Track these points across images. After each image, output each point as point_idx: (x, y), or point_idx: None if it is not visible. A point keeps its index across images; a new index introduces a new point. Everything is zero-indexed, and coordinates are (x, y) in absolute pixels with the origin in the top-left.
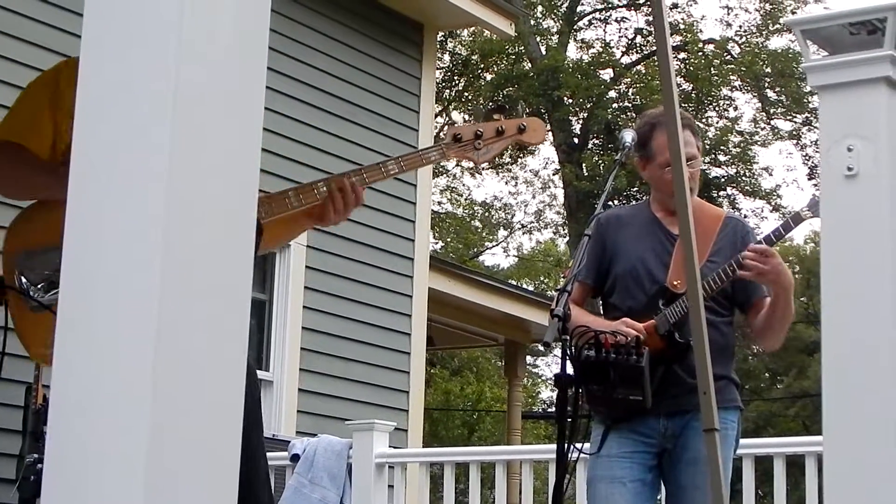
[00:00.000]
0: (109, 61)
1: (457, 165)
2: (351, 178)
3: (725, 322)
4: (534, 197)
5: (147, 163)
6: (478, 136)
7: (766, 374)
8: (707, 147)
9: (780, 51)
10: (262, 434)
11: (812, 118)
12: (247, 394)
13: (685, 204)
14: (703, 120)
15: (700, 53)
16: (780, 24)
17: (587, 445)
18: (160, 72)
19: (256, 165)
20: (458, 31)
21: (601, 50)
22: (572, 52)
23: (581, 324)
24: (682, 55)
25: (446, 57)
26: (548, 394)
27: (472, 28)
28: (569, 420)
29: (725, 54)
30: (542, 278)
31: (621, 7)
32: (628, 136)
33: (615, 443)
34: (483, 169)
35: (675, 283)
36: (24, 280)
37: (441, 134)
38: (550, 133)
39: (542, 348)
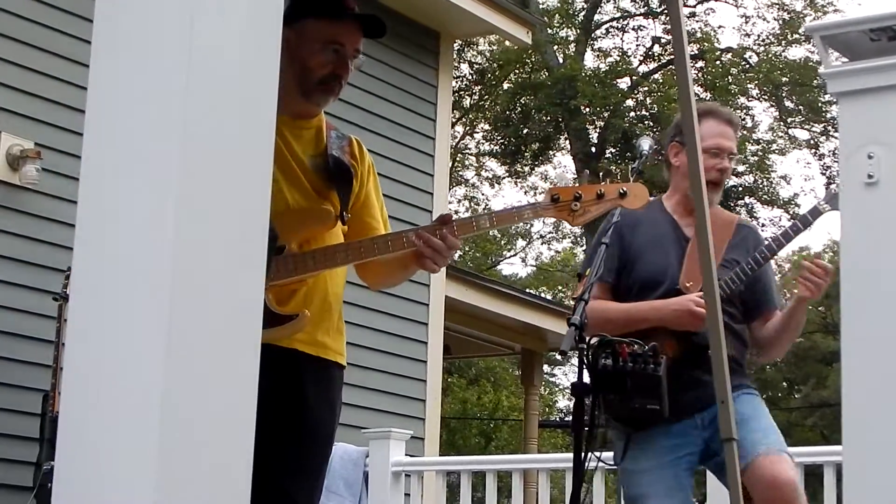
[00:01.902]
0: (119, 70)
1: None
2: (440, 231)
3: (743, 327)
4: None
5: (157, 171)
6: (576, 198)
7: (784, 384)
8: None
9: (797, 60)
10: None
11: (830, 127)
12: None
13: (703, 210)
14: None
15: (718, 62)
16: (798, 33)
17: (607, 455)
18: (170, 79)
19: (268, 173)
20: (475, 41)
21: (618, 59)
22: (589, 60)
23: (615, 312)
24: (700, 64)
25: (464, 66)
26: (565, 403)
27: (490, 37)
28: (586, 429)
29: (743, 63)
30: (559, 288)
31: (638, 16)
32: (645, 144)
33: (651, 452)
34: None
35: (688, 284)
36: None
37: (539, 191)
38: (568, 142)
39: (559, 357)
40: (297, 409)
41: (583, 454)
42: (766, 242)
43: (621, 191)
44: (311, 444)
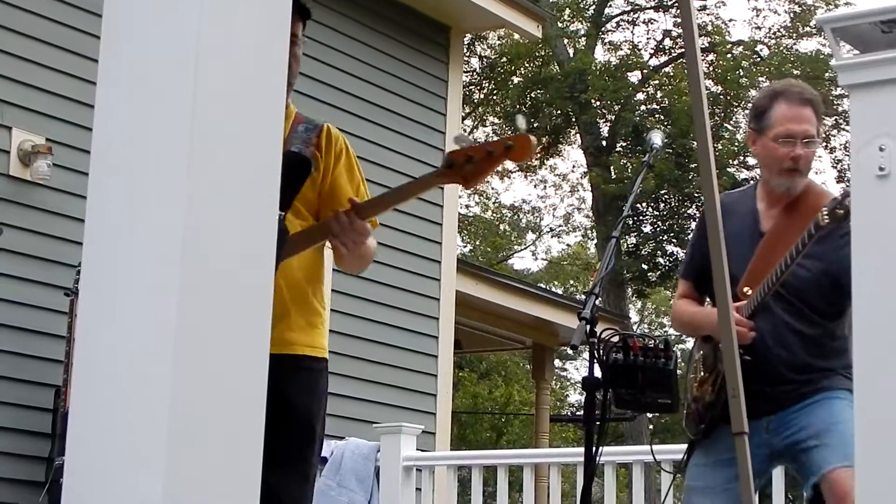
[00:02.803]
0: (128, 64)
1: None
2: (350, 214)
3: (817, 319)
4: (562, 200)
5: (166, 167)
6: (468, 159)
7: None
8: (736, 150)
9: (809, 53)
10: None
11: (841, 121)
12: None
13: (714, 203)
14: (731, 122)
15: (728, 55)
16: (809, 26)
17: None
18: (179, 75)
19: (278, 167)
20: (486, 34)
21: (629, 52)
22: (600, 54)
23: (685, 318)
24: (711, 57)
25: (474, 60)
26: (576, 397)
27: (500, 31)
28: (597, 423)
29: (754, 56)
30: (570, 282)
31: (649, 9)
32: (657, 137)
33: (710, 450)
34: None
35: (745, 290)
36: None
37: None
38: (578, 136)
39: (570, 351)
40: (273, 404)
41: (594, 448)
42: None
43: (507, 144)
44: (289, 431)
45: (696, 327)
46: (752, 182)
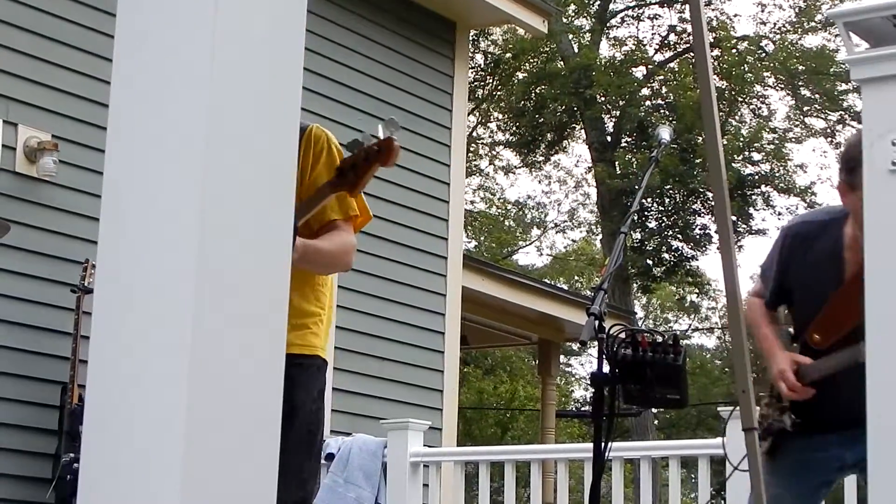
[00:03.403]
0: (143, 59)
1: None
2: None
3: None
4: (567, 196)
5: (181, 166)
6: (353, 167)
7: None
8: (740, 145)
9: (814, 48)
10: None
11: (847, 116)
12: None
13: (725, 213)
14: (736, 117)
15: (734, 51)
16: (814, 21)
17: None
18: (194, 74)
19: (294, 163)
20: (491, 30)
21: (634, 47)
22: (605, 49)
23: (761, 343)
24: (716, 52)
25: (478, 56)
26: (581, 393)
27: (505, 26)
28: (604, 419)
29: (759, 52)
30: (575, 277)
31: (654, 4)
32: (664, 132)
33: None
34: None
35: (816, 337)
36: None
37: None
38: (583, 131)
39: (576, 347)
40: None
41: (602, 444)
42: None
43: (375, 149)
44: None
45: (760, 349)
46: (841, 207)
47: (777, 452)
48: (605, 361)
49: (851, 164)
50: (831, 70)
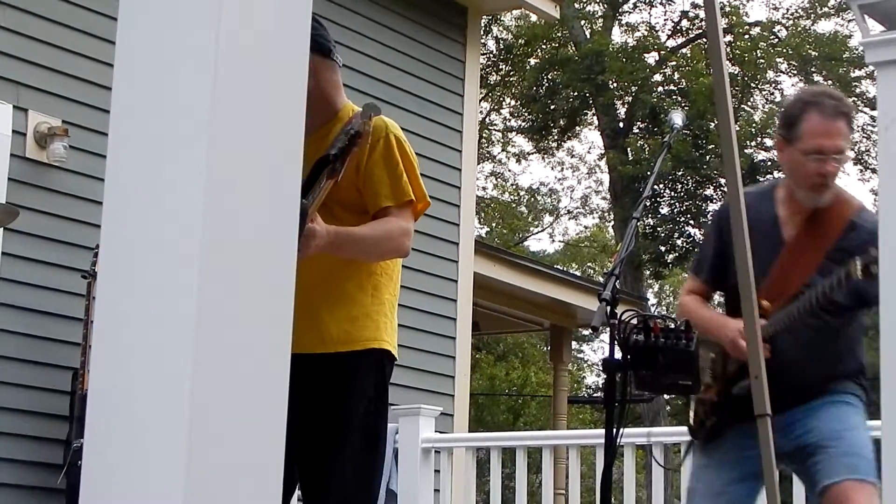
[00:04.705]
0: (145, 43)
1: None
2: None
3: (830, 321)
4: (579, 182)
5: (185, 147)
6: (342, 153)
7: None
8: (753, 131)
9: (827, 34)
10: None
11: (859, 102)
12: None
13: (738, 198)
14: (749, 103)
15: (746, 37)
16: (827, 6)
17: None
18: (200, 54)
19: (300, 148)
20: (502, 16)
21: (646, 33)
22: (617, 35)
23: (706, 323)
24: (728, 38)
25: (490, 43)
26: (593, 379)
27: (517, 12)
28: (617, 405)
29: (772, 37)
30: (588, 263)
31: None
32: (677, 117)
33: (712, 451)
34: (527, 154)
35: (765, 303)
36: None
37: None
38: (595, 118)
39: (587, 333)
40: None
41: (615, 430)
42: (820, 290)
43: (357, 134)
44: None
45: (704, 331)
46: (769, 181)
47: (710, 443)
48: (616, 347)
49: (790, 121)
50: (844, 56)
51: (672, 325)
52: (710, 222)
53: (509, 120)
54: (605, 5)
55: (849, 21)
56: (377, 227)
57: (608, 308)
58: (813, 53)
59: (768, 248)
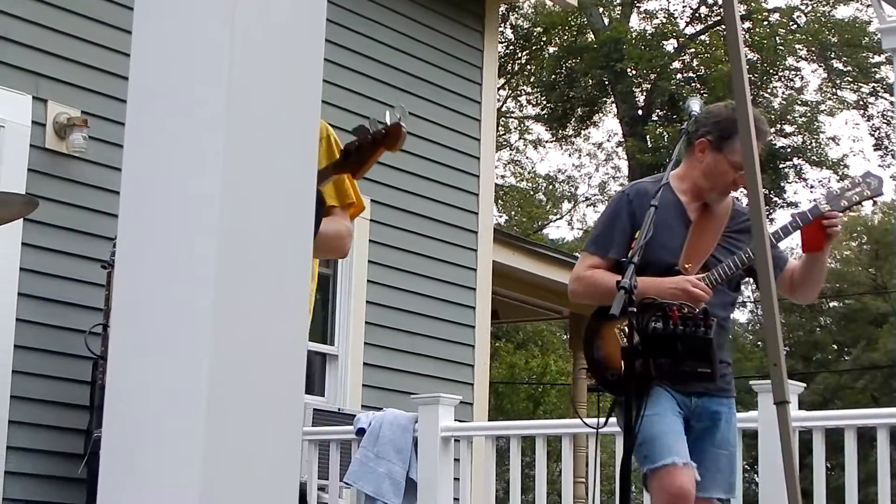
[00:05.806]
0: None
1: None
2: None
3: (729, 307)
4: (597, 169)
5: (202, 138)
6: (358, 148)
7: (834, 346)
8: (773, 117)
9: (846, 20)
10: None
11: (879, 88)
12: None
13: (756, 184)
14: (769, 90)
15: (765, 23)
16: None
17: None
18: (215, 44)
19: (315, 139)
20: (520, 4)
21: (665, 20)
22: (635, 22)
23: (600, 284)
24: (747, 24)
25: (508, 31)
26: None
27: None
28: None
29: (791, 24)
30: None
31: None
32: (695, 105)
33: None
34: (545, 143)
35: (687, 265)
36: None
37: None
38: (614, 105)
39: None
40: None
41: (634, 418)
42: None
43: (383, 132)
44: None
45: (639, 293)
46: (662, 174)
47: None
48: (635, 335)
49: (725, 133)
50: (863, 42)
51: (690, 313)
52: (616, 201)
53: (527, 108)
54: None
55: (867, 6)
56: (329, 225)
57: (627, 296)
58: (832, 39)
59: (680, 228)
